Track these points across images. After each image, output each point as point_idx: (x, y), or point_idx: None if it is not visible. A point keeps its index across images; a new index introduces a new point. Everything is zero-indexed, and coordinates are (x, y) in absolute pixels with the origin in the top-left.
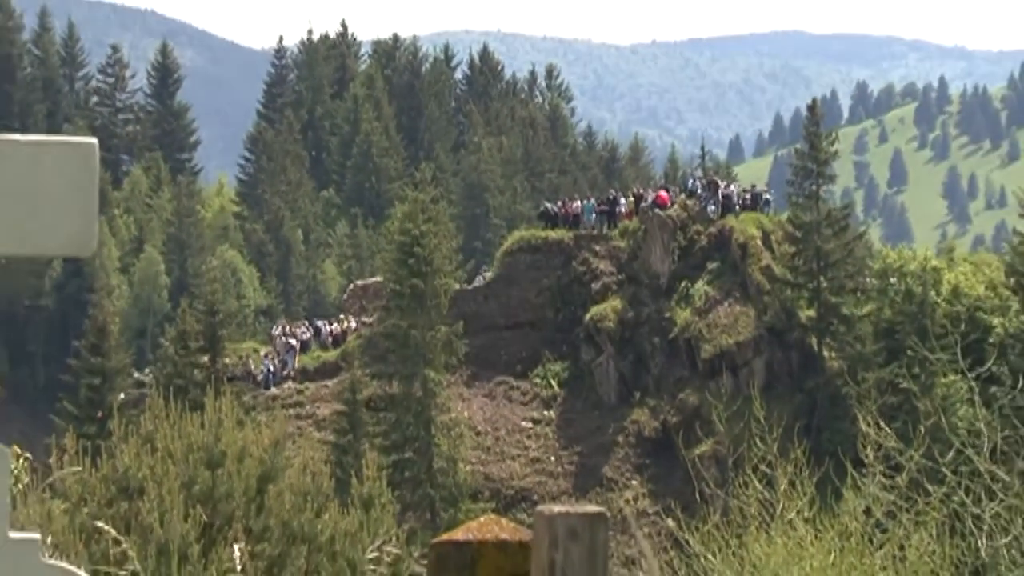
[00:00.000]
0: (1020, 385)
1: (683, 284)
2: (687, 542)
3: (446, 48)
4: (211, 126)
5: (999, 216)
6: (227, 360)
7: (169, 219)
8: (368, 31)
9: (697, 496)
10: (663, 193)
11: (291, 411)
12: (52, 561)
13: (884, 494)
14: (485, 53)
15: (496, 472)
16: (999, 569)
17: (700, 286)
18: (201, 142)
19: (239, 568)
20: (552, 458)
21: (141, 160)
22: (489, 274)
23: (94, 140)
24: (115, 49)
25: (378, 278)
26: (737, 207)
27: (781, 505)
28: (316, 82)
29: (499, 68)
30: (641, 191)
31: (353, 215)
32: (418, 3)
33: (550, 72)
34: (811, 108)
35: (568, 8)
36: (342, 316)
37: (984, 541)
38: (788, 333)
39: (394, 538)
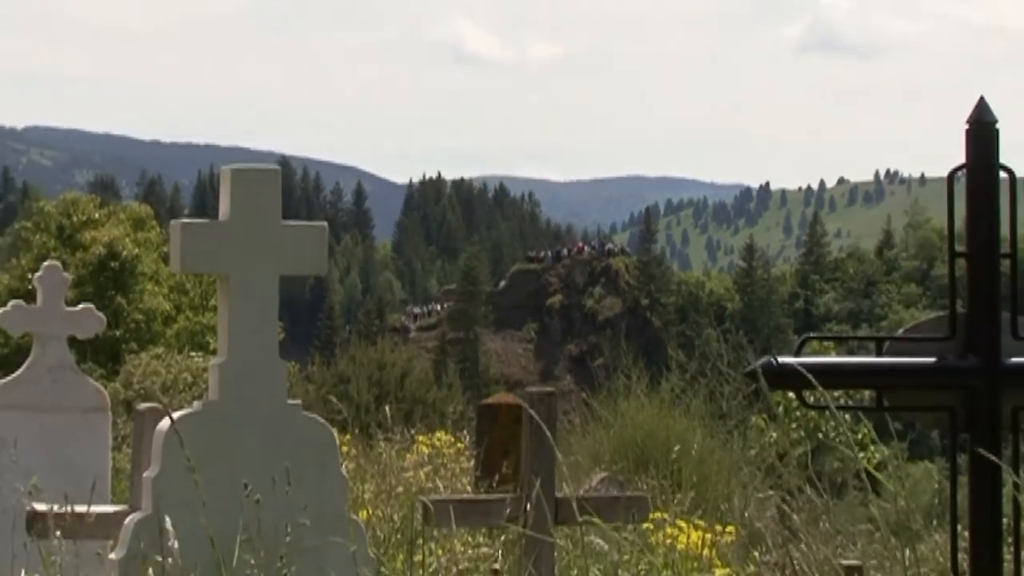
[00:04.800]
0: (739, 332)
1: (589, 288)
2: (591, 404)
3: (484, 184)
4: (379, 219)
5: (731, 258)
6: (387, 321)
7: (360, 260)
8: (451, 174)
9: (596, 383)
10: (581, 245)
11: (415, 345)
12: (306, 414)
13: (680, 382)
14: (502, 187)
15: (506, 371)
16: (732, 415)
17: (597, 289)
18: (375, 226)
19: (390, 415)
20: (531, 366)
21: (348, 234)
22: (504, 283)
23: (324, 224)
24: (337, 184)
25: (454, 285)
26: (614, 254)
27: (634, 386)
28: (427, 198)
29: (508, 193)
30: (571, 247)
31: (443, 258)
32: (471, 160)
33: (531, 195)
34: (647, 211)
35: (539, 164)
36: (437, 303)
37: (726, 404)
38: (636, 310)
39: (460, 402)
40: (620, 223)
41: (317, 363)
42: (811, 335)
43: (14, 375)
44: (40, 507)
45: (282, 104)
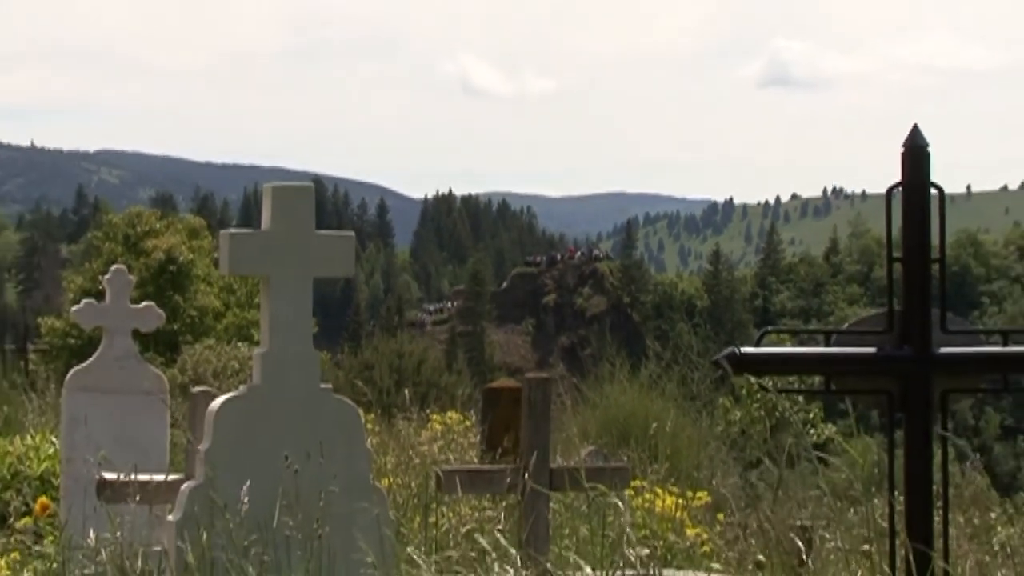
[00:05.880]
0: (707, 326)
1: (579, 289)
2: (581, 388)
3: (489, 201)
4: (399, 230)
5: (700, 263)
6: (406, 317)
7: (383, 264)
8: (460, 190)
9: (585, 370)
10: (572, 251)
11: (430, 337)
12: (336, 396)
13: (656, 368)
14: (504, 202)
15: (508, 360)
16: (701, 396)
17: (586, 290)
18: (395, 235)
19: (408, 397)
20: (529, 355)
21: (372, 242)
22: (505, 284)
23: (352, 234)
24: (363, 199)
25: (463, 286)
26: (600, 259)
27: (617, 372)
28: (439, 211)
29: (509, 206)
30: (563, 253)
31: (453, 262)
32: (478, 178)
33: (528, 208)
34: (628, 223)
35: (535, 182)
36: (448, 301)
37: (696, 387)
38: (619, 307)
39: (468, 386)
40: (605, 232)
41: (346, 352)
42: (769, 328)
43: (86, 363)
44: (108, 476)
45: (316, 130)
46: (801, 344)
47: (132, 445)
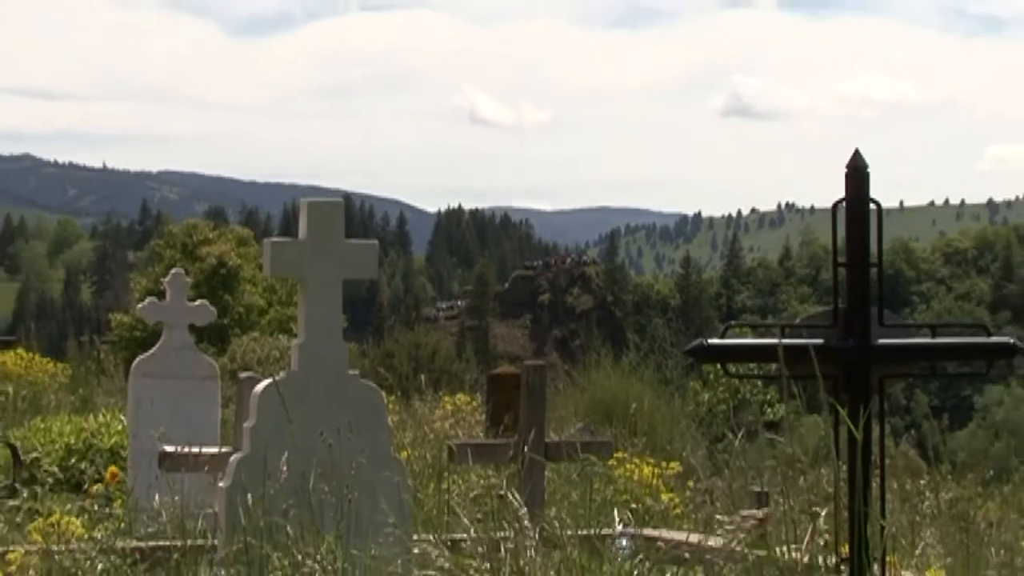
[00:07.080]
0: (679, 321)
1: (570, 289)
2: (571, 374)
3: (493, 214)
4: (416, 239)
5: (673, 267)
6: (422, 313)
7: (402, 269)
8: (468, 205)
9: (575, 358)
10: (564, 256)
11: (442, 331)
12: (363, 380)
13: (635, 357)
14: (505, 215)
15: (509, 350)
16: (674, 381)
17: (577, 290)
18: (413, 244)
19: (424, 381)
20: (527, 346)
21: (393, 250)
22: (507, 285)
23: (375, 242)
24: (385, 213)
25: (470, 287)
26: (588, 264)
27: (602, 360)
28: (451, 223)
29: (510, 219)
30: (556, 259)
31: (462, 267)
32: (483, 195)
33: (527, 221)
34: (612, 233)
35: (533, 198)
36: (458, 300)
37: (669, 373)
38: (604, 305)
39: (475, 372)
40: (592, 241)
41: (370, 343)
42: (732, 323)
43: (149, 352)
44: (168, 448)
45: (345, 153)
46: (760, 336)
47: (188, 423)
